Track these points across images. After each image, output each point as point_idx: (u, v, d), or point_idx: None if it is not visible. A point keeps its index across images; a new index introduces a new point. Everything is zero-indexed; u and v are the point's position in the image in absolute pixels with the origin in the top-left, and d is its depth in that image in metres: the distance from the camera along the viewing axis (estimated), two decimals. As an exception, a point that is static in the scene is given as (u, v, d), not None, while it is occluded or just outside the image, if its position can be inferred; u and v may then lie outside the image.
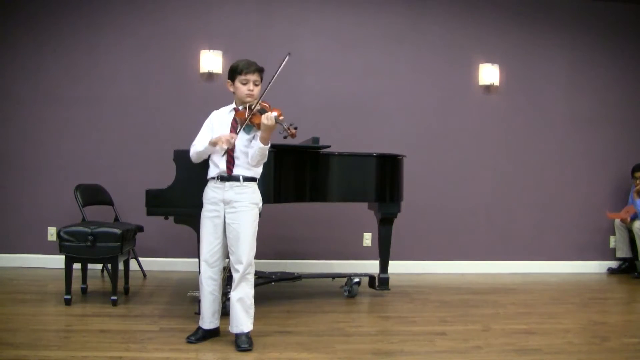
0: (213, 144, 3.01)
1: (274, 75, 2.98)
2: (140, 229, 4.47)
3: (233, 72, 3.09)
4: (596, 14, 5.98)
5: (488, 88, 5.79)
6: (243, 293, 3.02)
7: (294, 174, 3.91)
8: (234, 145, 3.01)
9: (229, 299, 3.10)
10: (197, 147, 3.10)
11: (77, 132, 5.31)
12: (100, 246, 3.81)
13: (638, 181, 5.74)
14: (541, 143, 5.88)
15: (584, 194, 5.92)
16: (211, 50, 5.32)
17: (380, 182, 4.21)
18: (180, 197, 3.48)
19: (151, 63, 5.38)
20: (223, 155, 3.00)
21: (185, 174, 3.49)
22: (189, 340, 3.09)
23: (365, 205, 4.60)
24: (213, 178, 3.08)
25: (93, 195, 4.78)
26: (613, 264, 5.90)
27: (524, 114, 5.86)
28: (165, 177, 3.82)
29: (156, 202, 3.53)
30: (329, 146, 4.01)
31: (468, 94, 5.77)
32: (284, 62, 2.96)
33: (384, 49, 5.65)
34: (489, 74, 5.73)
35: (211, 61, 5.30)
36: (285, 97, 5.34)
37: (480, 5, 5.80)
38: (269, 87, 3.00)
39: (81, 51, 5.33)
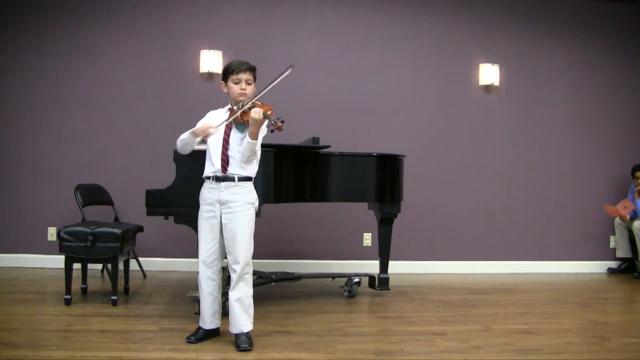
0: (194, 133, 3.03)
1: (269, 84, 2.98)
2: (140, 229, 4.46)
3: (225, 73, 3.13)
4: (596, 14, 5.98)
5: (488, 88, 5.79)
6: (241, 293, 3.03)
7: (294, 174, 3.90)
8: (227, 144, 3.02)
9: (228, 299, 3.10)
10: (182, 135, 3.09)
11: (77, 132, 5.31)
12: (100, 246, 3.81)
13: (638, 181, 5.74)
14: (541, 143, 5.88)
15: (584, 193, 5.91)
16: (211, 50, 5.32)
17: (380, 182, 4.21)
18: (180, 197, 3.48)
19: (151, 63, 5.38)
20: (198, 142, 3.04)
21: (185, 174, 3.49)
22: (189, 340, 3.09)
23: (365, 205, 4.60)
24: (208, 178, 3.09)
25: (93, 195, 4.77)
26: (613, 263, 5.90)
27: (524, 114, 5.86)
28: (165, 177, 3.82)
29: (156, 202, 3.53)
30: (329, 146, 4.00)
31: (468, 94, 5.77)
32: (285, 74, 2.97)
33: (384, 48, 5.65)
34: (489, 74, 5.73)
35: (211, 61, 5.30)
36: (285, 97, 5.36)
37: (480, 5, 5.80)
38: (262, 93, 3.00)
39: (81, 51, 5.33)
